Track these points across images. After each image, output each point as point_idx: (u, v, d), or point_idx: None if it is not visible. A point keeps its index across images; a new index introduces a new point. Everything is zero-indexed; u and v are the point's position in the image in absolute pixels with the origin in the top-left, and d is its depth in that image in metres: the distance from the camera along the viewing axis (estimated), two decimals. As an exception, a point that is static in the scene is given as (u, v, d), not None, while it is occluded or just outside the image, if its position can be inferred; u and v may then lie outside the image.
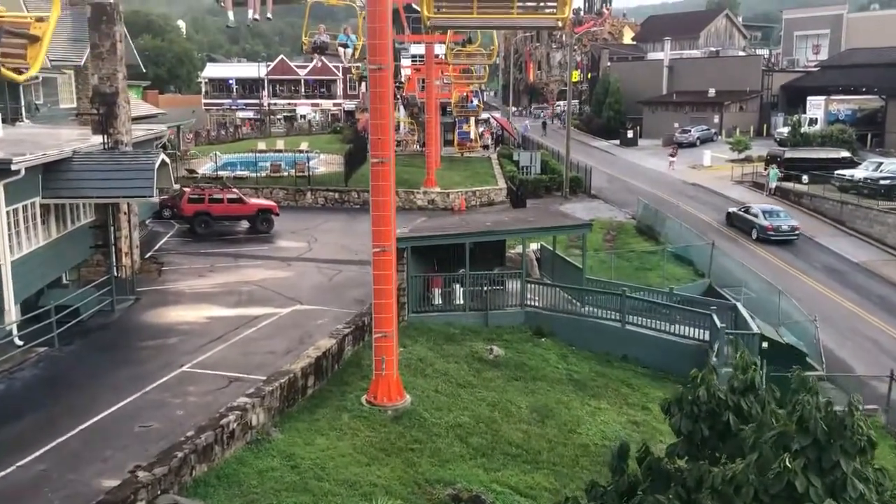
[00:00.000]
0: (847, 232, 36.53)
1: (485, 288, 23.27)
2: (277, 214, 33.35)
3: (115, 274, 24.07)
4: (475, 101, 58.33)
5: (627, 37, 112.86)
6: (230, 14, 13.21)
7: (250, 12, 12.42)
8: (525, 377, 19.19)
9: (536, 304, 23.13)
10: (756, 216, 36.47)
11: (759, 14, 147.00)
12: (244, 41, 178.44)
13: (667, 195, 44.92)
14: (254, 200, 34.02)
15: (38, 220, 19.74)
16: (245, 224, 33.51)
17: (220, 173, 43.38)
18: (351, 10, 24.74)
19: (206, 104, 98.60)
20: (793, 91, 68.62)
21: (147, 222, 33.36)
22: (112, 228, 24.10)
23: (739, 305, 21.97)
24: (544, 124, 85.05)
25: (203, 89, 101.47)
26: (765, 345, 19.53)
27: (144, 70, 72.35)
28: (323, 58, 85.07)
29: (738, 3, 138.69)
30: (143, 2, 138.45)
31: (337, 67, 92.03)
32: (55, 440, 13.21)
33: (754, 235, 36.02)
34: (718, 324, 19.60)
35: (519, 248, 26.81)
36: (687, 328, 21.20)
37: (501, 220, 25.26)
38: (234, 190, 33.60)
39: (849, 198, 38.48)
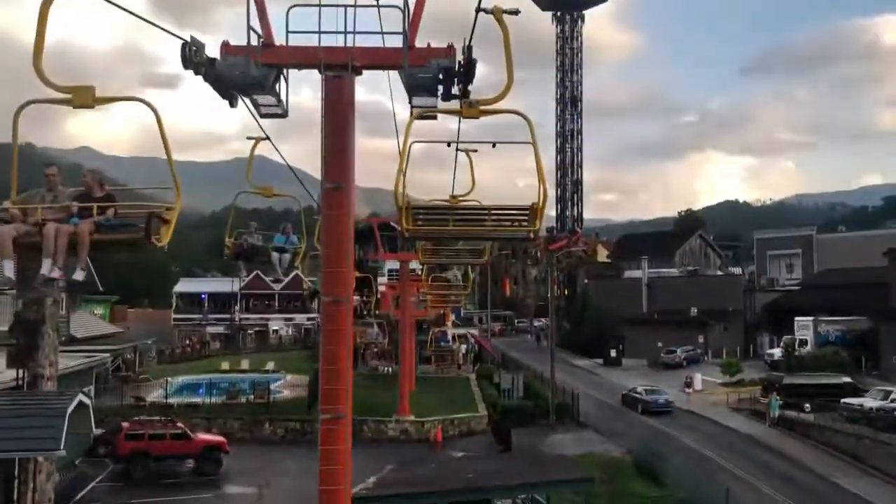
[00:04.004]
0: (868, 471, 32.69)
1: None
2: (227, 452, 29.29)
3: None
4: (448, 338, 56.60)
5: (602, 255, 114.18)
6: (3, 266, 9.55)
7: (46, 266, 8.70)
8: None
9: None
10: (640, 394, 47.24)
11: (724, 233, 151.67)
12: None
13: (662, 425, 41.31)
14: (201, 436, 30.04)
15: None
16: (190, 462, 29.28)
17: (172, 400, 39.39)
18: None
19: (175, 319, 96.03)
20: (777, 311, 67.41)
21: (76, 463, 29.02)
22: (17, 482, 20.01)
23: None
24: (538, 337, 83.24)
25: (174, 304, 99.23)
26: None
27: (112, 285, 70.30)
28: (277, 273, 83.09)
29: (705, 223, 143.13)
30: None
31: (313, 281, 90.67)
32: None
33: (639, 409, 45.68)
34: None
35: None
36: None
37: (486, 471, 21.42)
38: (179, 424, 29.66)
39: (864, 430, 35.09)
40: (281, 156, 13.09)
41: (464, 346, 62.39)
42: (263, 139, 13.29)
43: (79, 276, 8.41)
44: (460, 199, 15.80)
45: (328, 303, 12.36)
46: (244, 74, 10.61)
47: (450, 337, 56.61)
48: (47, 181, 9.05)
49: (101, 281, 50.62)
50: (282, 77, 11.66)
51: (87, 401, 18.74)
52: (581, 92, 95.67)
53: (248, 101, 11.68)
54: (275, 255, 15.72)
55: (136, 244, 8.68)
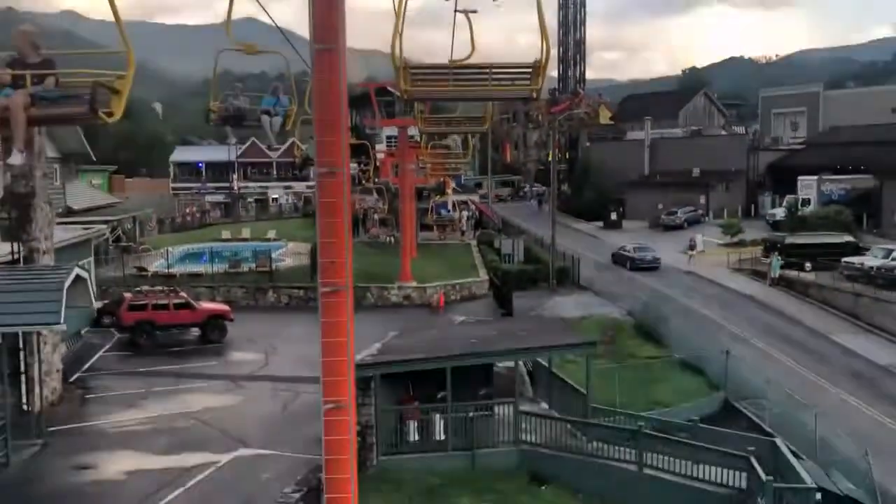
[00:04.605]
0: (866, 328, 33.15)
1: (470, 414, 19.49)
2: (231, 320, 29.51)
3: (26, 407, 20.05)
4: (449, 208, 56.40)
5: (604, 117, 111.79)
6: None
7: None
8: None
9: (533, 439, 19.26)
10: (629, 252, 48.60)
11: (729, 92, 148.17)
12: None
13: (663, 287, 41.60)
14: (205, 304, 30.20)
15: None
16: (195, 331, 29.60)
17: (174, 270, 39.47)
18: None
19: (174, 188, 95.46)
20: (780, 170, 66.59)
21: (83, 332, 29.34)
22: (23, 353, 20.18)
23: (779, 442, 18.23)
24: (540, 202, 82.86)
25: (171, 173, 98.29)
26: (818, 496, 15.71)
27: (108, 155, 69.17)
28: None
29: (709, 81, 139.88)
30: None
31: (306, 147, 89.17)
32: None
33: (628, 266, 47.24)
34: (762, 475, 15.78)
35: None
36: (718, 471, 17.37)
37: (488, 336, 21.57)
38: (183, 294, 29.73)
39: (863, 289, 35.31)
40: (266, 12, 12.09)
41: (465, 213, 62.20)
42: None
43: (16, 159, 7.38)
44: (460, 63, 14.96)
45: (323, 174, 11.74)
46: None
47: (450, 206, 56.30)
48: None
49: (94, 151, 49.68)
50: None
51: (84, 274, 18.54)
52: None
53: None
54: (264, 118, 14.58)
55: (82, 118, 7.64)
